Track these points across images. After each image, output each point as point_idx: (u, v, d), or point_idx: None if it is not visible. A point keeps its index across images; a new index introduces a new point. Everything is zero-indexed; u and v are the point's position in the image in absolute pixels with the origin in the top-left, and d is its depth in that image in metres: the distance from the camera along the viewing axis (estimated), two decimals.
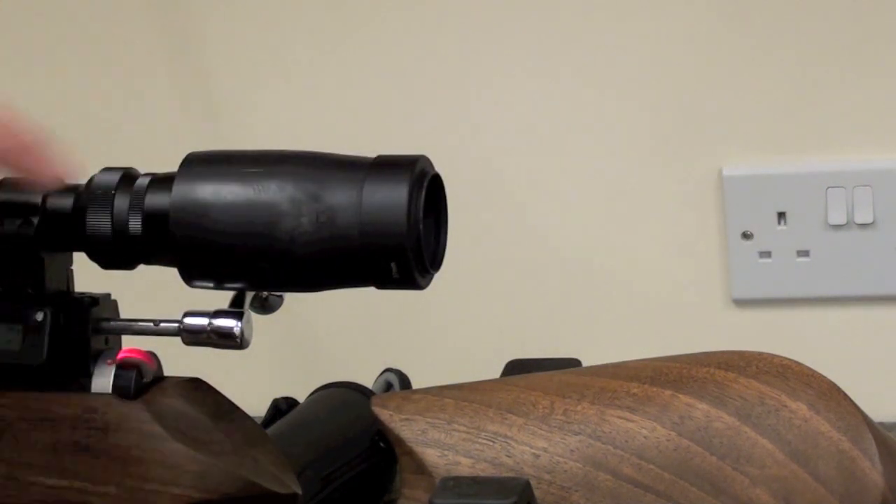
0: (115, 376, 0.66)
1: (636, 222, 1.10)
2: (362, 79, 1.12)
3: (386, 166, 0.64)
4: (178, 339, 0.66)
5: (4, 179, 0.67)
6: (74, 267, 0.69)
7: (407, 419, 0.67)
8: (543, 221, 1.11)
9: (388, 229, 0.63)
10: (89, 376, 0.66)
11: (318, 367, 1.16)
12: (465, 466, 0.65)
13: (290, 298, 0.70)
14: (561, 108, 1.10)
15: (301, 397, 0.94)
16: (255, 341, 0.67)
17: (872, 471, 0.62)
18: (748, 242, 1.07)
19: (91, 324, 0.66)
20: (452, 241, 0.67)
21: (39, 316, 0.66)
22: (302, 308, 1.06)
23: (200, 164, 0.65)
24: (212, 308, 0.66)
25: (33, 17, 1.17)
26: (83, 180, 0.67)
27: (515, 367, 0.86)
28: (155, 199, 0.65)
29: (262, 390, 0.96)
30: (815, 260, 1.06)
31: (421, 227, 0.63)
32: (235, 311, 0.66)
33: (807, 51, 1.05)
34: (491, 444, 0.65)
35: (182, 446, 0.64)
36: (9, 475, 0.66)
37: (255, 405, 0.81)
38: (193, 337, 0.66)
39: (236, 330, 0.65)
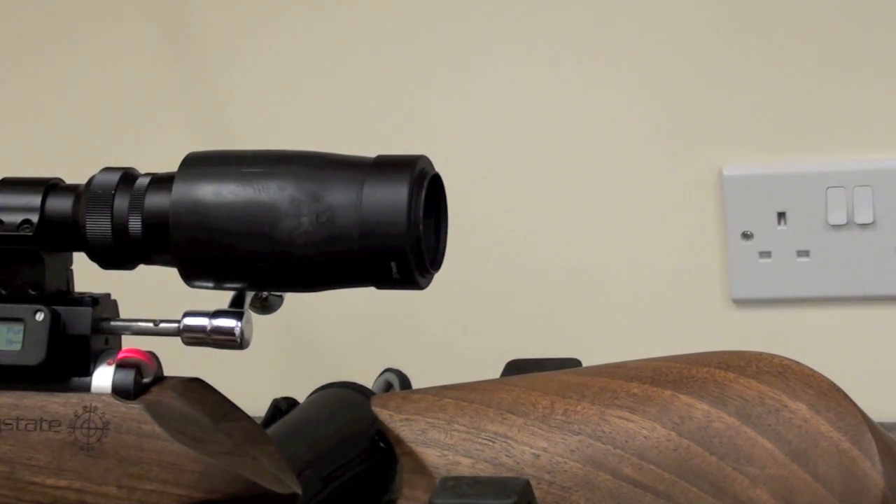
0: (115, 376, 0.66)
1: (636, 222, 1.10)
2: (362, 79, 1.12)
3: (386, 166, 0.64)
4: (178, 339, 0.66)
5: (4, 179, 0.67)
6: (74, 267, 0.69)
7: (407, 419, 0.67)
8: (543, 221, 1.11)
9: (388, 229, 0.62)
10: (89, 376, 0.66)
11: (318, 367, 1.16)
12: (465, 466, 0.65)
13: (290, 298, 0.70)
14: (561, 109, 1.10)
15: (301, 397, 0.94)
16: (255, 341, 0.67)
17: (872, 471, 0.62)
18: (748, 242, 1.07)
19: (91, 324, 0.66)
20: (453, 242, 0.67)
21: (39, 316, 0.66)
22: (302, 308, 1.06)
23: (200, 164, 0.65)
24: (212, 308, 0.66)
25: (33, 18, 1.17)
26: (83, 180, 0.67)
27: (515, 367, 0.86)
28: (155, 200, 0.65)
29: (262, 390, 0.96)
30: (815, 260, 1.06)
31: (421, 227, 0.63)
32: (235, 311, 0.66)
33: (807, 51, 1.05)
34: (491, 444, 0.65)
35: (182, 446, 0.64)
36: (9, 475, 0.66)
37: (255, 405, 0.81)
38: (193, 337, 0.65)
39: (236, 330, 0.65)
